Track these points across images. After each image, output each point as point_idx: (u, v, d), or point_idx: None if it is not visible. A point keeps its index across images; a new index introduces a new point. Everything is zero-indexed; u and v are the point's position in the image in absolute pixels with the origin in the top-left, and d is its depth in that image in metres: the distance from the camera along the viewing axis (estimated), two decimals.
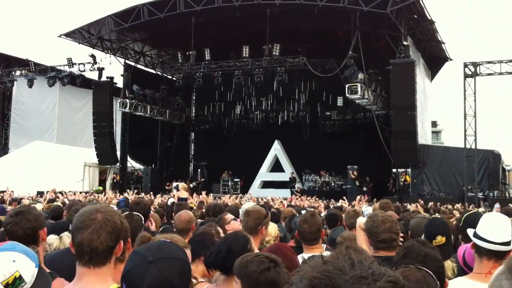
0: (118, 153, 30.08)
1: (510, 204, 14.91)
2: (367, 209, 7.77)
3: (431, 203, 14.94)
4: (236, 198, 16.04)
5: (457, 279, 3.20)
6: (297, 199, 18.37)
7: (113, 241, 2.41)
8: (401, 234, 3.85)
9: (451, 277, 3.49)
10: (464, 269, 3.48)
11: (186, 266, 2.09)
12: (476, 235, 3.06)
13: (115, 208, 7.73)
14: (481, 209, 9.33)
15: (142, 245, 2.60)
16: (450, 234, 4.07)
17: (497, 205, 11.27)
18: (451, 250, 3.95)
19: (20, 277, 2.01)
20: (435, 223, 4.29)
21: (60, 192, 16.99)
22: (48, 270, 3.10)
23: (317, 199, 18.41)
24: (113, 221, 2.44)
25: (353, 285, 0.89)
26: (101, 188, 26.10)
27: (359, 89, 23.46)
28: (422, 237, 3.95)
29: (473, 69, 24.08)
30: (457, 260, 3.78)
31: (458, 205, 14.85)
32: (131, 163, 31.45)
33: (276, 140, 31.41)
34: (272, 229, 5.10)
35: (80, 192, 19.95)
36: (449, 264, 3.76)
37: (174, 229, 5.20)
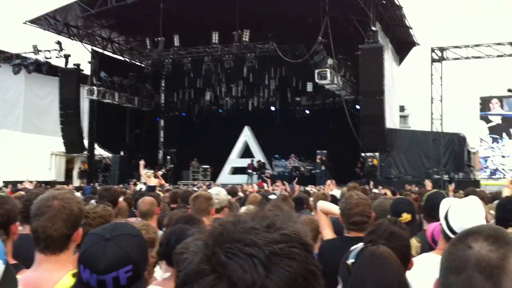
0: (86, 141, 29.59)
1: (480, 189, 15.17)
2: (335, 192, 7.84)
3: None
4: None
5: (425, 255, 3.24)
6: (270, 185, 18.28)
7: (69, 229, 2.37)
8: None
9: (415, 256, 3.53)
10: (432, 246, 3.53)
11: (143, 242, 2.07)
12: (449, 227, 3.09)
13: (79, 195, 7.62)
14: (450, 188, 9.54)
15: None
16: (415, 212, 4.12)
17: (452, 186, 11.60)
18: (416, 229, 4.00)
19: None
20: (400, 201, 4.35)
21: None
22: (14, 261, 3.01)
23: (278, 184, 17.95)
24: (70, 208, 2.39)
25: (241, 234, 0.88)
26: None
27: (328, 74, 23.57)
28: (388, 216, 3.99)
29: (440, 54, 24.41)
30: (422, 239, 3.82)
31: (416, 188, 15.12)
32: (99, 151, 31.01)
33: (246, 126, 31.38)
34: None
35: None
36: (413, 242, 3.80)
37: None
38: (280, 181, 16.83)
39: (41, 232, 2.32)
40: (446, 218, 3.13)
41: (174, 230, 3.06)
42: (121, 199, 6.61)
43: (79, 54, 29.60)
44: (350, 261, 2.34)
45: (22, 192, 9.10)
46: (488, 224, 1.43)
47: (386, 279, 2.26)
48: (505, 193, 6.68)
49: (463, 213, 3.06)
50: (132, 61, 32.64)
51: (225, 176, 30.40)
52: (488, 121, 25.56)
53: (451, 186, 10.68)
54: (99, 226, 2.56)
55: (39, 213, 2.36)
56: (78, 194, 8.17)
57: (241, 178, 27.48)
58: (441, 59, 24.36)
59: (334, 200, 6.06)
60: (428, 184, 10.42)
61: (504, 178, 20.29)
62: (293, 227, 0.93)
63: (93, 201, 4.96)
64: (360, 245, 2.60)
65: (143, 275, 2.03)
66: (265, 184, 18.13)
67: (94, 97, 28.52)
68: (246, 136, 31.47)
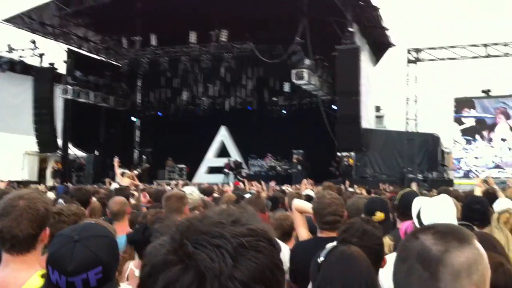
0: (60, 141, 29.21)
1: (453, 188, 15.38)
2: (308, 192, 7.87)
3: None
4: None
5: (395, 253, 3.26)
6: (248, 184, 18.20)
7: (35, 229, 2.34)
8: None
9: (388, 254, 3.56)
10: None
11: (113, 243, 2.06)
12: (421, 225, 3.11)
13: (53, 194, 7.51)
14: (413, 187, 9.64)
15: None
16: (388, 211, 4.15)
17: (414, 184, 11.73)
18: (390, 227, 4.03)
19: None
20: (374, 200, 4.39)
21: None
22: None
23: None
24: (36, 208, 2.36)
25: (208, 226, 0.89)
26: None
27: (305, 74, 23.65)
28: (362, 215, 4.01)
29: (415, 55, 24.71)
30: (395, 238, 3.85)
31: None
32: (73, 151, 30.63)
33: (222, 126, 31.35)
34: None
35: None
36: (386, 241, 3.83)
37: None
38: (256, 181, 16.75)
39: (7, 232, 2.30)
40: (418, 216, 3.16)
41: (156, 219, 3.07)
42: (94, 199, 6.54)
43: (54, 53, 29.21)
44: (321, 259, 2.35)
45: None
46: (448, 223, 1.49)
47: (354, 279, 2.26)
48: (477, 192, 6.78)
49: (435, 211, 3.09)
50: (108, 60, 32.30)
51: (201, 175, 30.34)
52: (461, 123, 25.95)
53: (414, 185, 10.75)
54: (72, 224, 2.56)
55: (4, 213, 2.34)
56: (51, 193, 8.06)
57: (217, 178, 27.46)
58: (416, 60, 24.68)
59: (309, 199, 6.07)
60: (415, 186, 10.45)
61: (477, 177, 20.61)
62: (258, 223, 0.94)
63: (61, 201, 4.86)
64: (333, 243, 2.61)
65: (114, 275, 2.01)
66: (241, 184, 18.08)
67: (69, 96, 28.08)
68: (223, 135, 31.45)
